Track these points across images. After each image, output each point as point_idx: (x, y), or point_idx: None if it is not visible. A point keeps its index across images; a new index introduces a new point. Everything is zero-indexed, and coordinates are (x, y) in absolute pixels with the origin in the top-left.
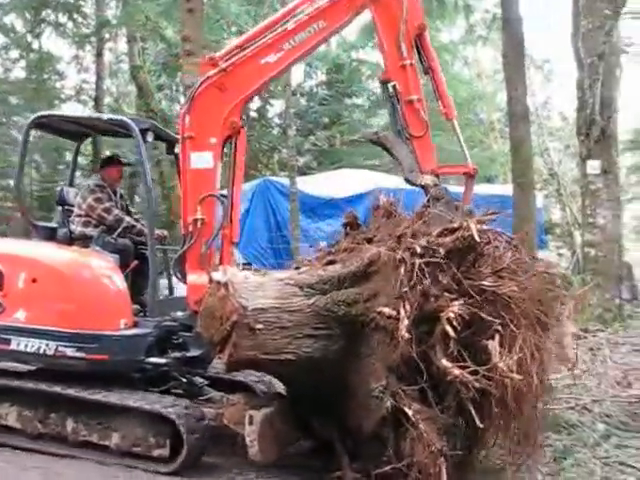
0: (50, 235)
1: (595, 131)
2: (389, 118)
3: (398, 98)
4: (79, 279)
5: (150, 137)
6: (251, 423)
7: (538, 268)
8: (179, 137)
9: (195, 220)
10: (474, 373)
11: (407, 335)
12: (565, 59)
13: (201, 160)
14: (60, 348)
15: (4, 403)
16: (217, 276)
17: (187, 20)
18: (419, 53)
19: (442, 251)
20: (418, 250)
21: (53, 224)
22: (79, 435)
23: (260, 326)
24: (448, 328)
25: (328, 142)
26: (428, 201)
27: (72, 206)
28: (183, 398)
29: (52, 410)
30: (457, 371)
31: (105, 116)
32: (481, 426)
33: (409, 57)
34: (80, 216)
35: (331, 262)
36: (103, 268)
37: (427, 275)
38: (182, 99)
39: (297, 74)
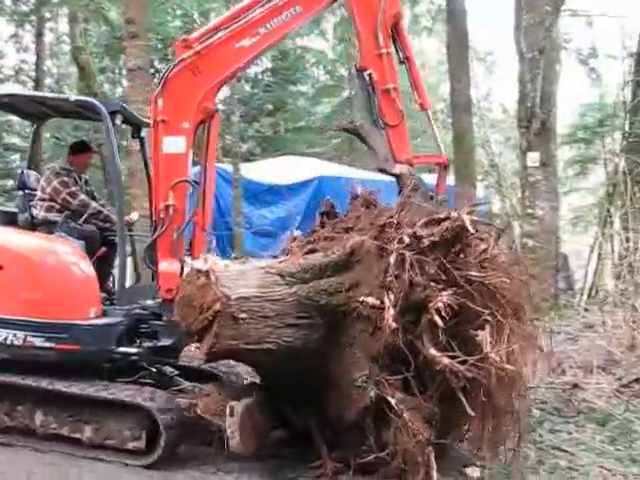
0: (10, 220)
1: (535, 124)
2: (364, 107)
3: (374, 87)
4: (48, 266)
5: (119, 120)
6: (232, 414)
7: (514, 258)
8: (149, 121)
9: (167, 206)
10: (462, 363)
11: (394, 325)
12: (507, 52)
13: (173, 145)
14: (29, 338)
15: None
16: (197, 264)
17: (131, 2)
18: (394, 42)
19: (428, 241)
20: (406, 240)
21: (12, 208)
22: (48, 428)
23: (244, 315)
24: (437, 318)
25: (272, 129)
26: (401, 191)
27: (33, 190)
28: (153, 388)
29: (19, 402)
30: (446, 360)
31: (72, 97)
32: (472, 414)
33: (386, 46)
34: (43, 200)
35: (312, 251)
36: (71, 255)
37: (413, 265)
38: (125, 82)
39: None
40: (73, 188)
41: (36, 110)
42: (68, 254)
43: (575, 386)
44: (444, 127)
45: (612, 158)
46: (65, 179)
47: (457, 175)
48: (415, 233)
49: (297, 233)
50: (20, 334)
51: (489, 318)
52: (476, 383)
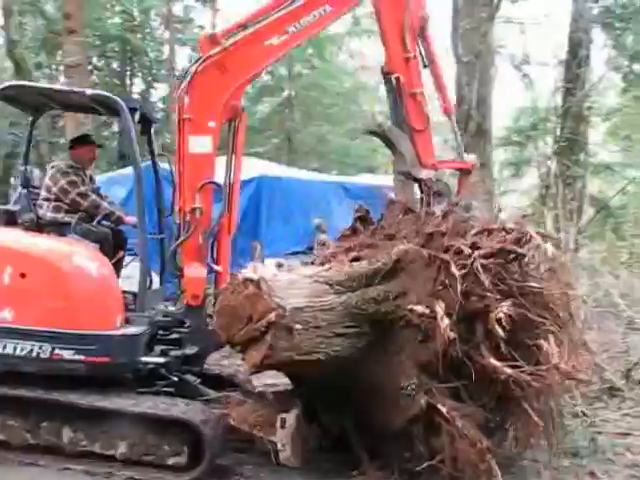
0: (9, 219)
1: (472, 126)
2: (390, 111)
3: (401, 91)
4: (76, 273)
5: (137, 117)
6: (283, 426)
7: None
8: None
9: (193, 209)
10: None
11: (452, 334)
12: (444, 56)
13: (200, 144)
14: (57, 351)
15: None
16: (247, 273)
17: None
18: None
19: (487, 252)
20: (467, 251)
21: (11, 207)
22: (77, 445)
23: (298, 326)
24: (498, 328)
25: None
26: (426, 195)
27: (36, 188)
28: (183, 398)
29: (44, 419)
30: (509, 370)
31: (89, 91)
32: (541, 424)
33: (412, 50)
34: (49, 200)
35: (356, 259)
36: (95, 260)
37: (468, 275)
38: (62, 78)
39: (182, 58)
40: (82, 188)
41: (40, 103)
42: (93, 259)
43: None
44: None
45: (544, 161)
46: (73, 178)
47: (395, 176)
48: (474, 244)
49: (325, 238)
50: (47, 346)
51: (552, 328)
52: (534, 391)
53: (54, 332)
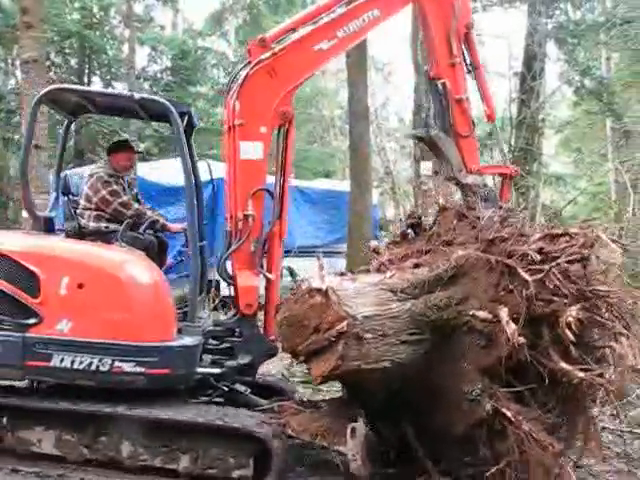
0: (49, 227)
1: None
2: (436, 116)
3: (447, 96)
4: (135, 283)
5: (185, 122)
6: (354, 436)
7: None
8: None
9: (246, 216)
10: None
11: (521, 339)
12: (403, 63)
13: (251, 150)
14: (117, 363)
15: (35, 427)
16: (315, 283)
17: None
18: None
19: (555, 257)
20: (536, 257)
21: (48, 213)
22: (137, 460)
23: (368, 335)
24: (568, 332)
25: (170, 129)
26: (473, 200)
27: (74, 195)
28: (239, 408)
29: (101, 433)
30: (581, 374)
31: (137, 95)
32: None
33: (459, 55)
34: (89, 209)
35: (416, 265)
36: (151, 269)
37: (534, 280)
38: (19, 73)
39: (141, 57)
40: (125, 197)
41: (80, 106)
42: (148, 268)
43: None
44: (341, 133)
45: None
46: (115, 188)
47: (353, 181)
48: (542, 249)
49: (375, 244)
50: (107, 359)
51: (622, 330)
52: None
53: (114, 344)
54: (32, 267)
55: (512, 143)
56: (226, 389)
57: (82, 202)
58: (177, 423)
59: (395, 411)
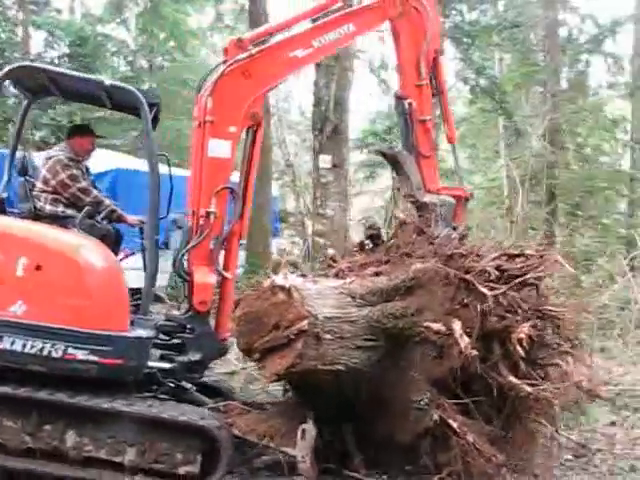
0: (0, 208)
1: (328, 127)
2: (400, 134)
3: (412, 116)
4: (94, 270)
5: (153, 113)
6: (303, 437)
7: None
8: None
9: (208, 213)
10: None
11: (474, 352)
12: None
13: (219, 149)
14: (70, 350)
15: None
16: (279, 280)
17: None
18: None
19: (509, 275)
20: (494, 273)
21: (1, 194)
22: (82, 451)
23: (328, 336)
24: (519, 348)
25: (68, 118)
26: (426, 218)
27: (31, 177)
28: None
29: (47, 421)
30: (529, 388)
31: (107, 81)
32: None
33: (426, 78)
34: (46, 192)
35: (376, 274)
36: (110, 258)
37: (489, 296)
38: None
39: (37, 41)
40: (84, 183)
41: (43, 87)
42: (107, 257)
43: None
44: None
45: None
46: (74, 172)
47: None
48: (500, 267)
49: (332, 252)
50: (60, 345)
51: (569, 349)
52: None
53: (68, 330)
54: None
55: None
56: (172, 385)
57: (39, 184)
58: (126, 415)
59: (340, 416)
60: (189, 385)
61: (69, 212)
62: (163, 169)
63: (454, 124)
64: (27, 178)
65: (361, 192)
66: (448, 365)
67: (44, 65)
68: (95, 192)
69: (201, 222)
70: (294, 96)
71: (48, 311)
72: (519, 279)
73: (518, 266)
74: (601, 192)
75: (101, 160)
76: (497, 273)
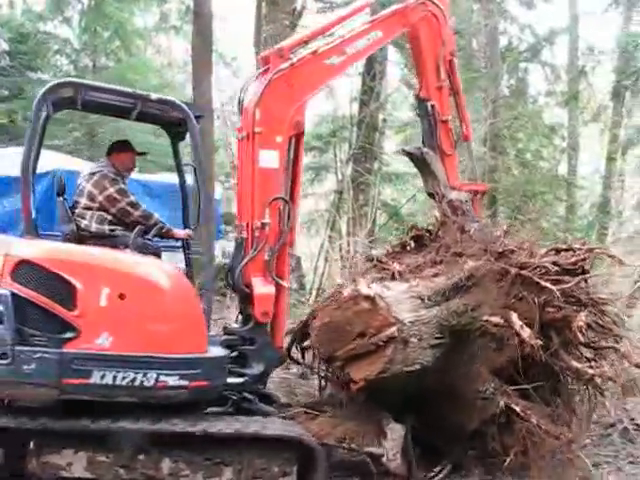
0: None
1: None
2: (424, 135)
3: (435, 117)
4: (176, 294)
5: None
6: (392, 437)
7: None
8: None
9: (263, 224)
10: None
11: (539, 342)
12: (252, 59)
13: (269, 159)
14: (161, 377)
15: (64, 450)
16: (364, 290)
17: None
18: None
19: (561, 269)
20: (552, 269)
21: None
22: (178, 476)
23: (413, 339)
24: (579, 335)
25: (7, 117)
26: (456, 215)
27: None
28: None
29: (139, 451)
30: (591, 370)
31: (154, 95)
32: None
33: (445, 79)
34: (91, 209)
35: (435, 274)
36: (185, 279)
37: (545, 289)
38: None
39: None
40: (132, 197)
41: (65, 100)
42: (184, 278)
43: None
44: None
45: (341, 167)
46: (122, 187)
47: None
48: (556, 262)
49: (376, 253)
50: (152, 374)
51: (622, 333)
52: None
53: (159, 357)
54: (68, 277)
55: (353, 141)
56: (235, 398)
57: (83, 201)
58: (223, 436)
59: (411, 411)
60: (251, 396)
61: (118, 231)
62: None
63: (469, 123)
64: (65, 197)
65: (307, 195)
66: (508, 355)
67: (85, 81)
68: (144, 206)
69: (257, 234)
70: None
71: (135, 340)
72: (575, 273)
73: (571, 260)
74: (540, 196)
75: (42, 160)
76: (556, 268)
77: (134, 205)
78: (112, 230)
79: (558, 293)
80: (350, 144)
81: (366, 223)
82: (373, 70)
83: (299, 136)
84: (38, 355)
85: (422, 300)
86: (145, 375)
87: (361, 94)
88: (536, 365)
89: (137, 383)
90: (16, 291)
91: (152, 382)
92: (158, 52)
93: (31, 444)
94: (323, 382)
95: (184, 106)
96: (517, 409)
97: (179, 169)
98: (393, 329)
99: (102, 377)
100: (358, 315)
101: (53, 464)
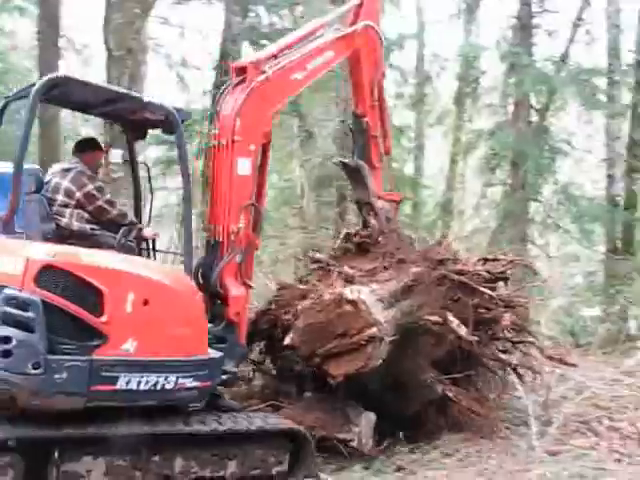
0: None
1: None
2: (356, 148)
3: (368, 133)
4: (189, 298)
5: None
6: (364, 423)
7: None
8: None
9: (238, 229)
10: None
11: (474, 338)
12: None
13: (244, 167)
14: (180, 380)
15: (84, 457)
16: (348, 294)
17: None
18: None
19: (492, 276)
20: (487, 276)
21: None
22: (189, 473)
23: (387, 338)
24: (506, 332)
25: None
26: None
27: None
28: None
29: (154, 452)
30: (515, 361)
31: (146, 98)
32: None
33: (376, 98)
34: (67, 206)
35: (388, 279)
36: (193, 283)
37: (476, 292)
38: None
39: None
40: (109, 196)
41: (53, 97)
42: (192, 282)
43: None
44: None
45: (191, 160)
46: (100, 184)
47: (42, 165)
48: (489, 270)
49: (319, 256)
50: (172, 377)
51: (533, 329)
52: None
53: (178, 361)
54: (96, 283)
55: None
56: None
57: (60, 198)
58: (230, 433)
59: (364, 399)
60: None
61: (98, 230)
62: None
63: (391, 137)
64: (45, 195)
65: (158, 188)
66: (445, 349)
67: (82, 78)
68: (119, 205)
69: (232, 238)
70: None
71: (157, 345)
72: (501, 279)
73: (499, 269)
74: None
75: None
76: (489, 275)
77: (111, 203)
78: (92, 229)
79: (495, 295)
80: (202, 138)
81: None
82: (226, 65)
83: (266, 145)
84: (69, 364)
85: (382, 302)
86: (167, 379)
87: (214, 88)
88: (464, 357)
89: (159, 387)
90: (43, 297)
91: (172, 385)
92: (1, 34)
93: (55, 453)
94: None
95: (172, 110)
96: (451, 395)
97: (133, 167)
98: (374, 329)
99: (127, 382)
100: (341, 317)
101: (73, 473)
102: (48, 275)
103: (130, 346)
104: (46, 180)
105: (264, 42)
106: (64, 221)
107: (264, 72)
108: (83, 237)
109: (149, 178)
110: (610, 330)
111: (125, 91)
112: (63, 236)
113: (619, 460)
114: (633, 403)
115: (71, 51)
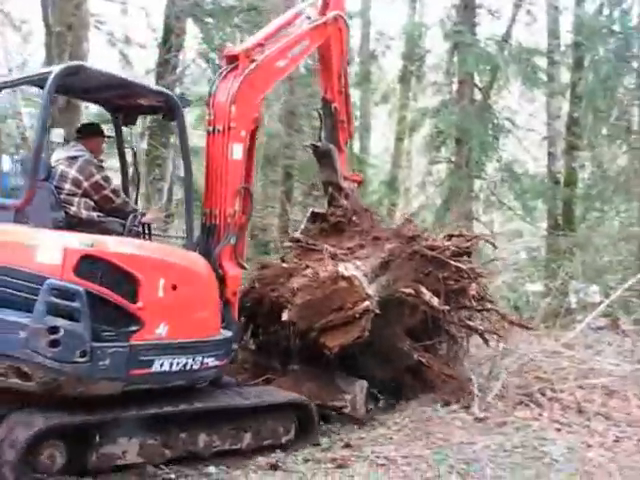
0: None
1: (60, 100)
2: (325, 132)
3: (336, 117)
4: (210, 281)
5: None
6: (356, 391)
7: None
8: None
9: (234, 212)
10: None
11: (446, 307)
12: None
13: (237, 151)
14: (205, 360)
15: (120, 439)
16: (343, 271)
17: None
18: None
19: (457, 250)
20: (456, 250)
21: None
22: (211, 447)
23: (377, 311)
24: (473, 301)
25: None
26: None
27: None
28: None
29: (181, 430)
30: (481, 327)
31: (153, 86)
32: None
33: (343, 84)
34: (74, 195)
35: (367, 256)
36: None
37: (446, 266)
38: None
39: None
40: (114, 184)
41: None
42: (209, 265)
43: None
44: None
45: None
46: (106, 173)
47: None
48: (457, 245)
49: (298, 235)
50: (199, 357)
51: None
52: None
53: (202, 341)
54: (132, 270)
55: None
56: None
57: (67, 186)
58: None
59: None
60: None
61: (105, 218)
62: None
63: (353, 121)
64: (52, 182)
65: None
66: (418, 319)
67: (98, 67)
68: (122, 194)
69: (229, 220)
70: (32, 64)
71: (185, 327)
72: (466, 253)
73: (466, 244)
74: None
75: None
76: (457, 250)
77: (116, 192)
78: (99, 217)
79: (464, 268)
80: (145, 117)
81: (163, 197)
82: (170, 42)
83: (254, 130)
84: (112, 350)
85: (366, 277)
86: (194, 359)
87: (157, 66)
88: (434, 325)
89: (188, 367)
90: (84, 287)
91: (199, 365)
92: None
93: (96, 437)
94: None
95: (174, 96)
96: (424, 360)
97: (121, 152)
98: (367, 303)
99: (161, 365)
100: (336, 292)
101: (111, 455)
102: (88, 264)
103: (162, 330)
104: (52, 167)
105: (208, 19)
106: (72, 209)
107: (254, 60)
108: (91, 225)
109: (134, 163)
110: (551, 304)
111: (130, 78)
112: (72, 224)
113: (559, 430)
114: (573, 374)
115: (8, 26)
